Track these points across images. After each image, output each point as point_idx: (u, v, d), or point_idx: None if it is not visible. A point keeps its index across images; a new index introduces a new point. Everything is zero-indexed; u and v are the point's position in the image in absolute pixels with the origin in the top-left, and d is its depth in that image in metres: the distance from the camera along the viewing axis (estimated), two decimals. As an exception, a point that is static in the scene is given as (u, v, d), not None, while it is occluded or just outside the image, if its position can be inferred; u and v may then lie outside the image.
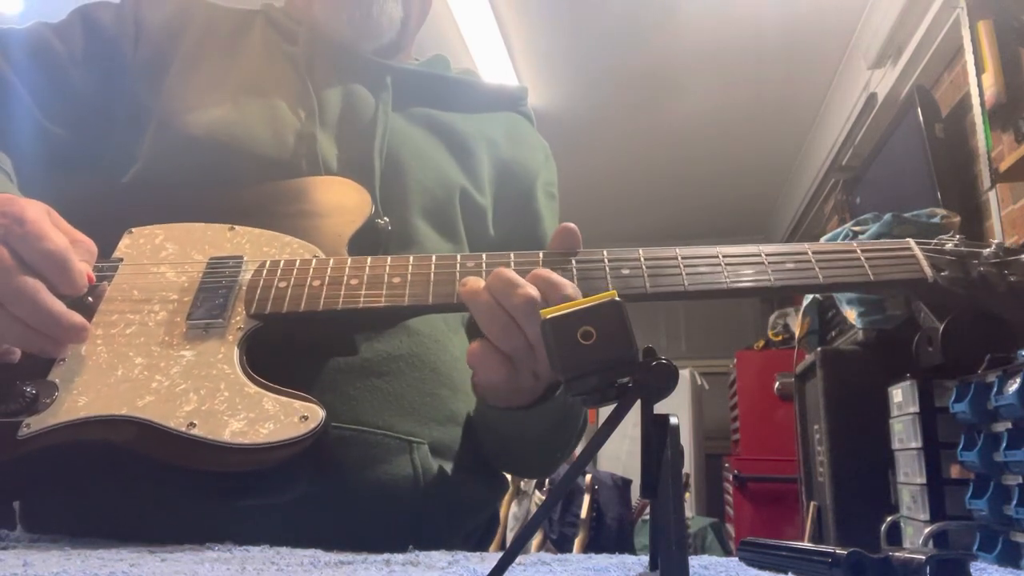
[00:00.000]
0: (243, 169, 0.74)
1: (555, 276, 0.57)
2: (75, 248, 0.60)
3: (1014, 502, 1.40)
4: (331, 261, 0.64)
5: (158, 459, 0.57)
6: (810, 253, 0.62)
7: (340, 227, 0.71)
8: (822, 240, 2.09)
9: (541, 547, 3.14)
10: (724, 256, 0.62)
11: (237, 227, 0.70)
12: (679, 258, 0.61)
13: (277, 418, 0.56)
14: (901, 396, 1.90)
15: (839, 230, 2.07)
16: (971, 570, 0.43)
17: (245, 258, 0.67)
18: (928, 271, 0.61)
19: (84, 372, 0.59)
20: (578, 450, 0.46)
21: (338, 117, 0.80)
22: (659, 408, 0.42)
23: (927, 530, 1.71)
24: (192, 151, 0.75)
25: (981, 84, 2.19)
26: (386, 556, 0.52)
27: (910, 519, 1.86)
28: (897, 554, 0.41)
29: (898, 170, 2.91)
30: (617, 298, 0.43)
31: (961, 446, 1.55)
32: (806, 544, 0.46)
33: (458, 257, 0.63)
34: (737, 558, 0.51)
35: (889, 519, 1.98)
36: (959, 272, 0.61)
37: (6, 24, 0.83)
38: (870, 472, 2.15)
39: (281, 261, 0.65)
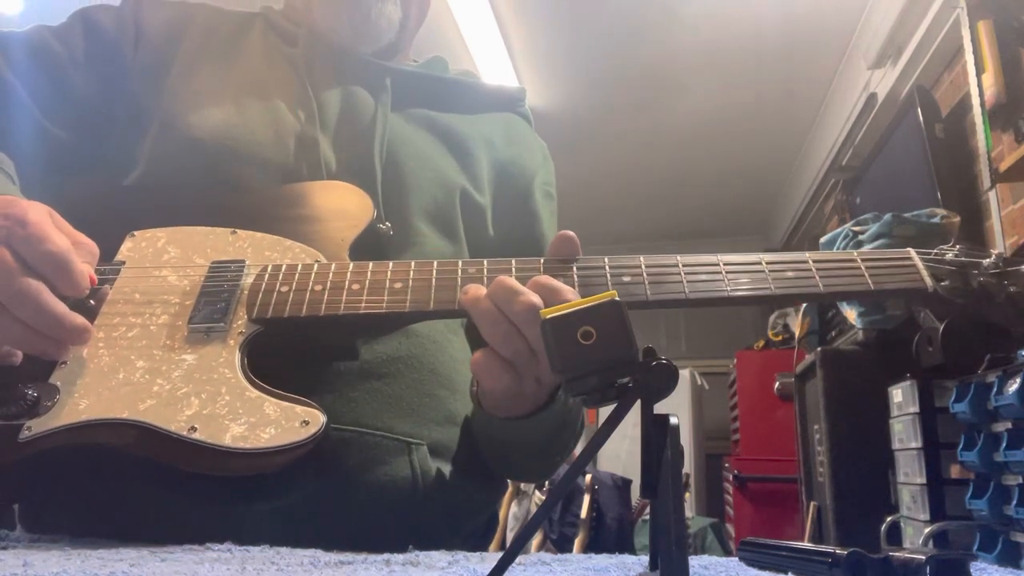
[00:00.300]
0: (244, 172, 0.75)
1: (556, 283, 0.57)
2: (77, 249, 0.60)
3: (1014, 502, 1.40)
4: (333, 266, 0.65)
5: (159, 463, 0.57)
6: (811, 262, 0.62)
7: (342, 232, 0.71)
8: (822, 240, 2.09)
9: (541, 547, 3.14)
10: (725, 264, 0.62)
11: (239, 231, 0.70)
12: (680, 266, 0.62)
13: (278, 423, 0.56)
14: (901, 396, 1.90)
15: (839, 230, 2.06)
16: (971, 570, 0.43)
17: (247, 262, 0.67)
18: (928, 281, 0.61)
19: (85, 375, 0.59)
20: (578, 450, 0.46)
21: (337, 119, 0.81)
22: (659, 408, 0.42)
23: (927, 530, 1.71)
24: (194, 154, 0.75)
25: (981, 84, 2.19)
26: (386, 556, 0.52)
27: (910, 519, 1.86)
28: (897, 554, 0.41)
29: (898, 170, 2.91)
30: (617, 298, 0.43)
31: (961, 446, 1.55)
32: (806, 544, 0.46)
33: (459, 263, 0.63)
34: (737, 558, 0.51)
35: (889, 519, 1.98)
36: (959, 282, 0.61)
37: (6, 24, 0.83)
38: (870, 472, 2.15)
39: (283, 266, 0.65)
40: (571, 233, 0.63)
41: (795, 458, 2.81)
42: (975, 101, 2.24)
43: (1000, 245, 2.32)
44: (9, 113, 0.76)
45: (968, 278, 0.61)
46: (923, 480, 1.77)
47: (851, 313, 2.17)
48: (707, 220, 5.37)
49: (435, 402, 0.72)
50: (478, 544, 0.80)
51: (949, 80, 2.78)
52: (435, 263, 0.64)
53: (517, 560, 0.46)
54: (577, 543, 3.08)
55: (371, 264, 0.64)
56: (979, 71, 2.20)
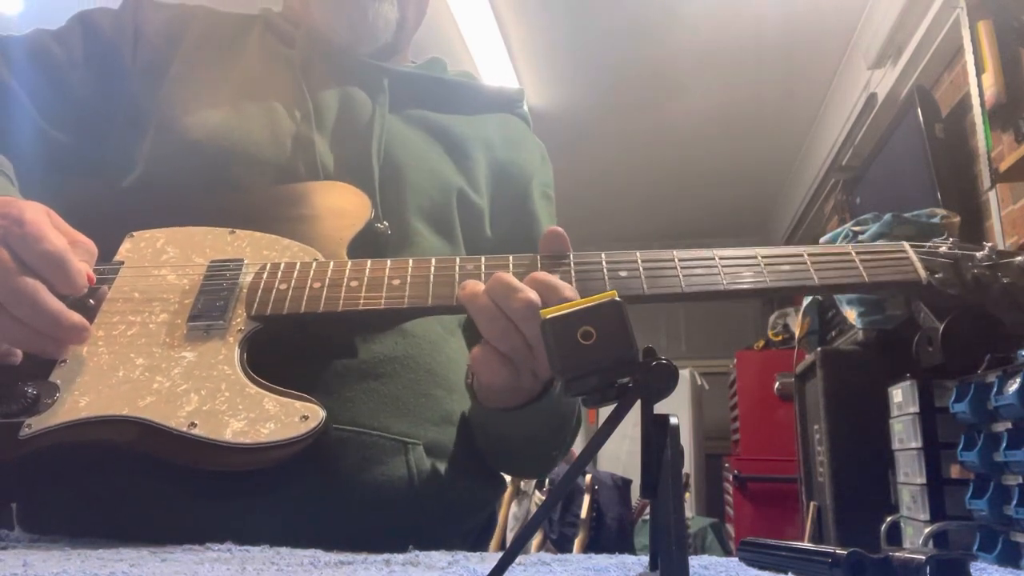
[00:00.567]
0: (242, 173, 0.75)
1: (554, 279, 0.57)
2: (74, 249, 0.60)
3: (1014, 502, 1.40)
4: (331, 264, 0.65)
5: (159, 459, 0.57)
6: (806, 255, 0.63)
7: (340, 231, 0.71)
8: (822, 240, 2.09)
9: (541, 547, 3.14)
10: (720, 258, 0.62)
11: (237, 231, 0.71)
12: (676, 260, 0.62)
13: (278, 418, 0.56)
14: (901, 396, 1.90)
15: (839, 230, 2.06)
16: (971, 570, 0.43)
17: (246, 261, 0.67)
18: (922, 273, 0.62)
19: (85, 373, 0.59)
20: (578, 450, 0.46)
21: (335, 120, 0.81)
22: (659, 408, 0.42)
23: (927, 530, 1.71)
24: (192, 155, 0.75)
25: (981, 84, 2.19)
26: (386, 556, 0.52)
27: (910, 519, 1.86)
28: (897, 554, 0.41)
29: (898, 170, 2.91)
30: (617, 298, 0.43)
31: (961, 446, 1.55)
32: (806, 544, 0.46)
33: (457, 260, 0.63)
34: (737, 558, 0.51)
35: (889, 519, 1.98)
36: (953, 274, 0.62)
37: (5, 23, 0.83)
38: (870, 472, 2.15)
39: (281, 264, 0.66)
40: (560, 229, 0.64)
41: (795, 458, 2.81)
42: (975, 101, 2.24)
43: (1000, 245, 2.31)
44: (9, 115, 0.76)
45: (962, 270, 0.62)
46: (923, 480, 1.77)
47: (851, 313, 2.18)
48: (707, 220, 5.37)
49: (432, 402, 0.72)
50: (477, 544, 0.80)
51: (949, 80, 2.78)
52: (433, 260, 0.64)
53: (517, 560, 0.46)
54: (577, 543, 3.08)
55: (369, 261, 0.64)
56: (979, 71, 2.20)
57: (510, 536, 3.04)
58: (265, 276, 0.65)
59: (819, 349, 2.39)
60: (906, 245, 0.64)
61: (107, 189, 0.78)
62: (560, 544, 3.13)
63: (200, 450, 0.56)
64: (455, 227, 0.82)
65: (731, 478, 3.99)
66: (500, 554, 0.41)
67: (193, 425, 0.56)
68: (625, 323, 0.42)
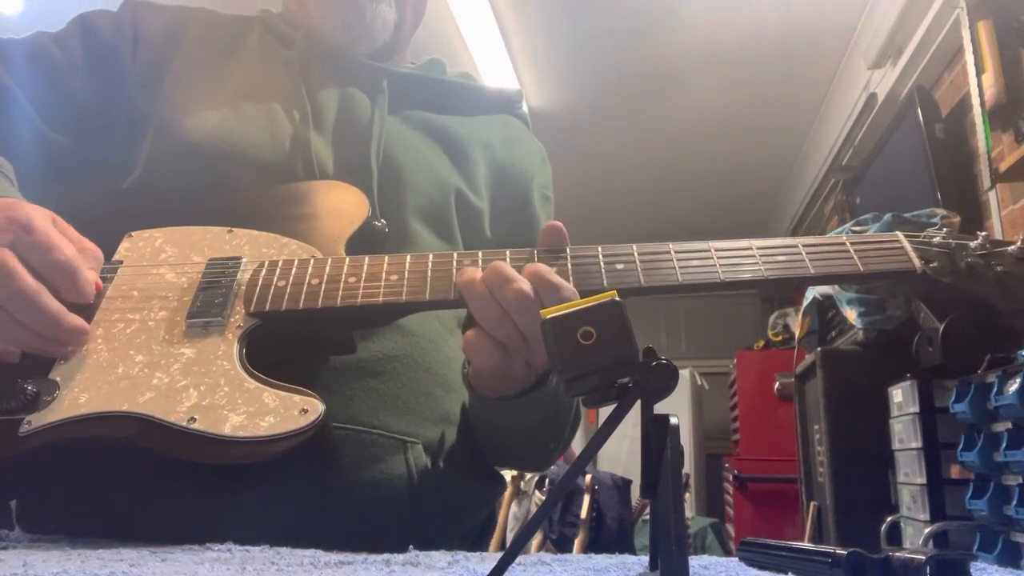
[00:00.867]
0: (241, 174, 0.75)
1: (549, 271, 0.58)
2: (83, 256, 0.61)
3: (1014, 502, 1.40)
4: (329, 260, 0.65)
5: (158, 458, 0.57)
6: (800, 246, 0.63)
7: (338, 229, 0.71)
8: (822, 240, 2.08)
9: (541, 547, 3.14)
10: (716, 250, 0.63)
11: (236, 230, 0.71)
12: (672, 252, 0.63)
13: (277, 411, 0.57)
14: (901, 396, 1.90)
15: (839, 230, 2.06)
16: (971, 570, 0.43)
17: (244, 259, 0.67)
18: (916, 262, 0.62)
19: (85, 370, 0.60)
20: (578, 450, 0.46)
21: (335, 121, 0.81)
22: (659, 408, 0.42)
23: (927, 530, 1.71)
24: (190, 156, 0.75)
25: (981, 84, 2.19)
26: (386, 556, 0.52)
27: (910, 519, 1.86)
28: (897, 554, 0.41)
29: (898, 170, 2.91)
30: (617, 298, 0.43)
31: (961, 446, 1.55)
32: (806, 544, 0.46)
33: (455, 255, 0.64)
34: (737, 558, 0.51)
35: (889, 519, 1.98)
36: (947, 263, 0.62)
37: (5, 24, 0.83)
38: (870, 472, 2.15)
39: (280, 261, 0.66)
40: (559, 224, 0.64)
41: (795, 458, 2.81)
42: (975, 101, 2.24)
43: (1000, 245, 2.31)
44: (8, 117, 0.77)
45: (956, 259, 0.62)
46: (923, 480, 1.77)
47: (851, 313, 2.18)
48: (707, 220, 5.37)
49: (431, 401, 0.72)
50: (476, 543, 0.80)
51: (949, 80, 2.78)
52: (430, 255, 0.64)
53: (517, 560, 0.46)
54: (577, 543, 3.08)
55: (367, 258, 0.65)
56: (979, 71, 2.20)
57: (510, 536, 3.04)
58: (263, 273, 0.65)
59: (819, 349, 2.38)
60: (900, 235, 0.64)
61: (106, 191, 0.78)
62: (560, 544, 3.13)
63: (200, 445, 0.56)
64: (454, 227, 0.82)
65: (731, 478, 3.99)
66: (500, 554, 0.41)
67: (193, 420, 0.56)
68: (625, 323, 0.42)
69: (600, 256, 0.63)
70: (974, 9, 2.24)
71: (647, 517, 2.71)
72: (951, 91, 2.75)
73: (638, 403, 0.42)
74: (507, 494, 3.15)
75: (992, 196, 2.35)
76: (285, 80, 0.83)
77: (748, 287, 0.63)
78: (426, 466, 0.70)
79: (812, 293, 2.67)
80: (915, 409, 1.81)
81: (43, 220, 0.59)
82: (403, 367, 0.71)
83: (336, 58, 0.85)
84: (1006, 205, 2.33)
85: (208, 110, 0.78)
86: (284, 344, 0.65)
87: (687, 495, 4.44)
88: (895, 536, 1.95)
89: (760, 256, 0.62)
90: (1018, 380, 1.36)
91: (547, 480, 3.09)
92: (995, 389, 1.43)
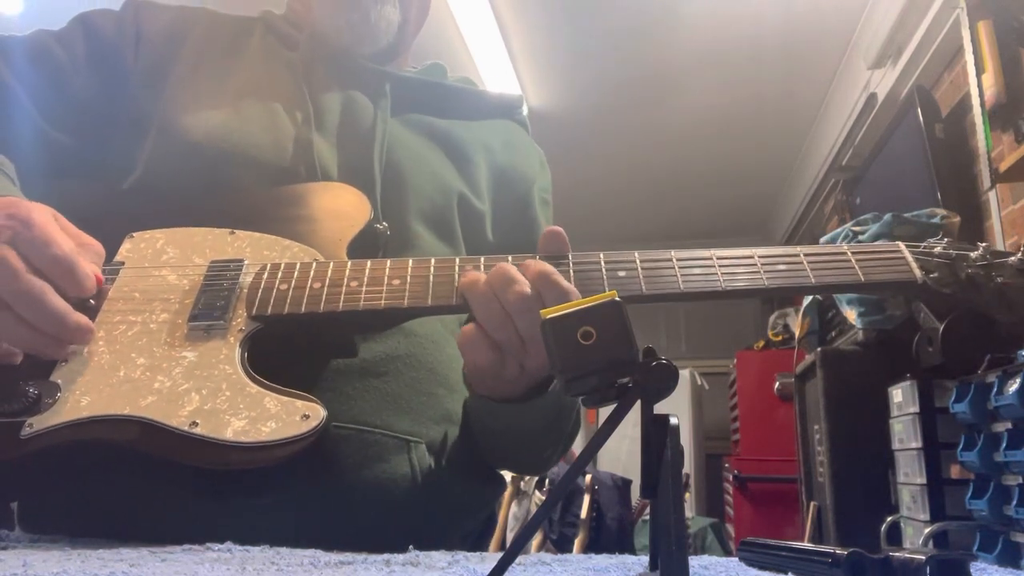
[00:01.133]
0: (242, 174, 0.75)
1: (555, 274, 0.58)
2: (82, 250, 0.61)
3: (1014, 502, 1.40)
4: (331, 264, 0.65)
5: (159, 459, 0.57)
6: (802, 255, 0.63)
7: (339, 231, 0.71)
8: (822, 240, 2.09)
9: (541, 547, 3.14)
10: (718, 258, 0.63)
11: (238, 231, 0.71)
12: (674, 260, 0.63)
13: (279, 417, 0.57)
14: (901, 396, 1.90)
15: (839, 230, 2.06)
16: (971, 570, 0.43)
17: (246, 261, 0.67)
18: (917, 273, 0.62)
19: (86, 373, 0.60)
20: (578, 450, 0.46)
21: (338, 124, 0.81)
22: (659, 408, 0.42)
23: (927, 530, 1.71)
24: (192, 157, 0.75)
25: (981, 84, 2.19)
26: (386, 556, 0.52)
27: (910, 519, 1.86)
28: (897, 554, 0.41)
29: (898, 170, 2.91)
30: (617, 298, 0.43)
31: (961, 446, 1.55)
32: (806, 544, 0.46)
33: (457, 260, 0.64)
34: (737, 558, 0.51)
35: (889, 519, 1.98)
36: (947, 274, 0.62)
37: (6, 24, 0.83)
38: (870, 472, 2.15)
39: (282, 264, 0.66)
40: (559, 228, 0.64)
41: (795, 458, 2.81)
42: (975, 101, 2.24)
43: (1000, 245, 2.32)
44: (10, 117, 0.76)
45: (957, 270, 0.63)
46: (923, 480, 1.77)
47: (851, 313, 2.17)
48: (707, 220, 5.37)
49: (433, 401, 0.72)
50: (477, 544, 0.80)
51: (949, 80, 2.78)
52: (432, 260, 0.64)
53: (517, 560, 0.46)
54: (577, 543, 3.08)
55: (369, 262, 0.65)
56: (979, 71, 2.20)
57: (510, 536, 3.04)
58: (265, 276, 0.65)
59: (819, 349, 2.38)
60: (901, 245, 0.65)
61: (107, 191, 0.78)
62: (560, 544, 3.13)
63: (201, 449, 0.56)
64: (456, 230, 0.82)
65: (731, 478, 3.99)
66: (500, 554, 0.41)
67: (194, 424, 0.56)
68: (625, 323, 0.42)
69: (602, 263, 0.63)
70: (974, 9, 2.24)
71: (647, 517, 2.70)
72: (951, 91, 2.75)
73: (638, 403, 0.42)
74: (507, 494, 3.15)
75: (992, 196, 2.35)
76: (288, 81, 0.83)
77: (749, 296, 0.63)
78: (429, 466, 0.70)
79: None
80: (915, 409, 1.81)
81: (42, 216, 0.59)
82: (406, 367, 0.71)
83: (339, 60, 0.85)
84: (1006, 205, 2.33)
85: (210, 110, 0.78)
86: (286, 347, 0.65)
87: (687, 495, 4.43)
88: (895, 536, 1.95)
89: (761, 265, 0.63)
90: (1018, 380, 1.36)
91: (547, 480, 3.09)
92: (995, 389, 1.43)
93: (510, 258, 0.63)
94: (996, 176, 2.14)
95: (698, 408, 5.05)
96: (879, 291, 0.64)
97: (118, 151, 0.79)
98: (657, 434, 0.42)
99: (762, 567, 0.48)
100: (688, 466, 4.48)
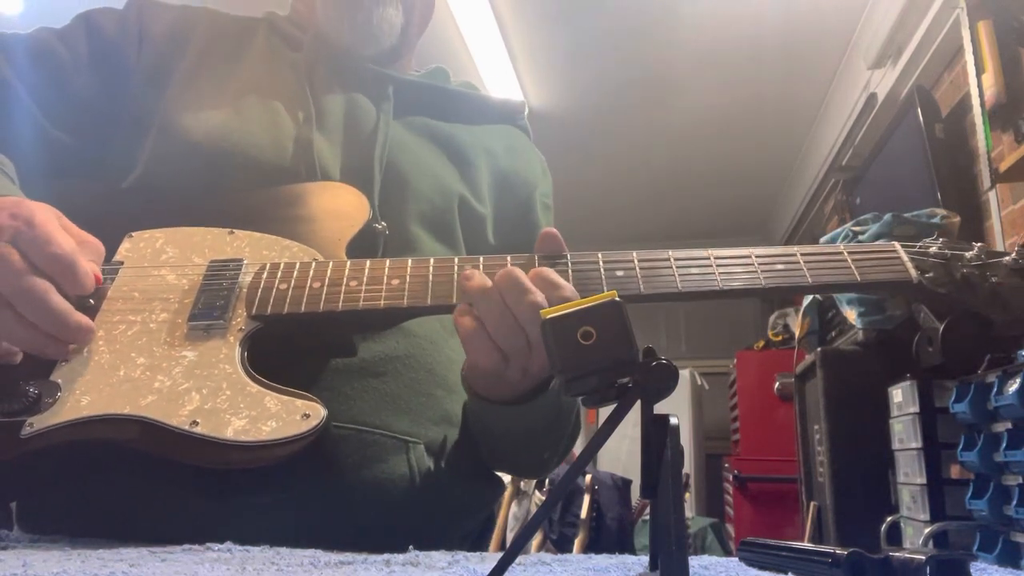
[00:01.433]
0: (243, 174, 0.75)
1: (557, 277, 0.58)
2: (82, 249, 0.61)
3: (1014, 502, 1.40)
4: (331, 264, 0.65)
5: (159, 459, 0.57)
6: (799, 255, 0.63)
7: (338, 231, 0.71)
8: (821, 240, 2.09)
9: (541, 547, 3.14)
10: (716, 258, 0.63)
11: (237, 231, 0.71)
12: (672, 260, 0.63)
13: (279, 416, 0.57)
14: (901, 396, 1.90)
15: (839, 230, 2.06)
16: (971, 570, 0.43)
17: (245, 261, 0.67)
18: (912, 272, 0.62)
19: (86, 372, 0.60)
20: (578, 450, 0.46)
21: (341, 125, 0.81)
22: (659, 408, 0.42)
23: (927, 530, 1.71)
24: (192, 156, 0.75)
25: (981, 84, 2.18)
26: (386, 556, 0.52)
27: (910, 519, 1.86)
28: (897, 554, 0.41)
29: (898, 170, 2.91)
30: (617, 298, 0.43)
31: (961, 446, 1.55)
32: (806, 544, 0.46)
33: (456, 260, 0.64)
34: (737, 558, 0.51)
35: (889, 519, 1.98)
36: (943, 274, 0.63)
37: (5, 24, 0.83)
38: (870, 472, 2.15)
39: (281, 264, 0.66)
40: (555, 231, 0.64)
41: (795, 458, 2.81)
42: (975, 101, 2.24)
43: (1000, 245, 2.32)
44: (11, 115, 0.76)
45: (952, 270, 0.63)
46: (923, 480, 1.77)
47: (851, 313, 2.17)
48: (707, 220, 5.37)
49: (432, 401, 0.72)
50: (476, 543, 0.80)
51: (949, 80, 2.78)
52: (432, 260, 0.64)
53: (517, 560, 0.46)
54: (577, 543, 3.08)
55: (368, 261, 0.65)
56: (979, 71, 2.20)
57: (510, 536, 3.04)
58: (265, 276, 0.65)
59: (819, 349, 2.38)
60: (897, 245, 0.65)
61: (107, 190, 0.78)
62: (560, 544, 3.13)
63: (202, 448, 0.56)
64: (456, 233, 0.82)
65: (731, 478, 3.99)
66: (500, 554, 0.41)
67: (195, 423, 0.56)
68: (625, 323, 0.42)
69: (600, 262, 0.63)
70: (974, 9, 2.24)
71: (647, 517, 2.70)
72: (951, 91, 2.75)
73: (638, 403, 0.42)
74: (507, 494, 3.15)
75: (992, 196, 2.35)
76: (290, 82, 0.83)
77: (746, 296, 0.64)
78: (428, 467, 0.70)
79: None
80: (915, 409, 1.81)
81: (45, 215, 0.59)
82: (405, 368, 0.71)
83: (342, 62, 0.85)
84: (1006, 205, 2.33)
85: (211, 110, 0.78)
86: (285, 346, 0.65)
87: (687, 495, 4.43)
88: (895, 536, 1.95)
89: (759, 265, 0.63)
90: (1018, 380, 1.36)
91: (547, 480, 3.09)
92: (995, 389, 1.43)
93: (508, 259, 0.63)
94: (996, 176, 2.14)
95: (698, 408, 5.05)
96: (875, 291, 0.64)
97: (119, 150, 0.79)
98: (657, 434, 0.42)
99: (762, 567, 0.48)
100: (688, 466, 4.48)
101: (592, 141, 4.23)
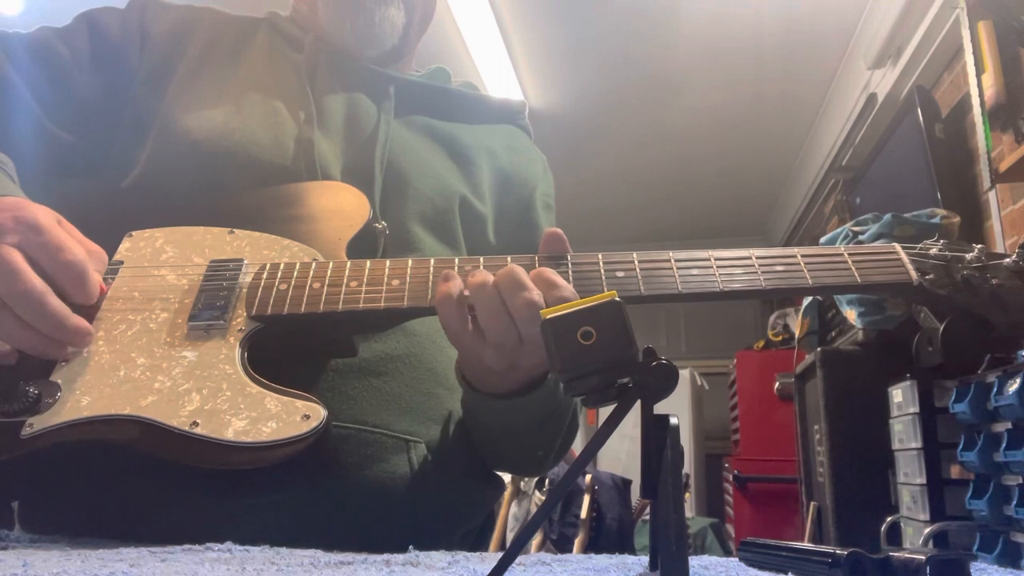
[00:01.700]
0: (243, 174, 0.75)
1: (558, 278, 0.58)
2: (90, 258, 0.61)
3: (1014, 502, 1.40)
4: (331, 264, 0.65)
5: (160, 458, 0.57)
6: (799, 256, 0.63)
7: (339, 231, 0.71)
8: (821, 240, 2.09)
9: (541, 547, 3.14)
10: (716, 259, 0.63)
11: (237, 231, 0.71)
12: (672, 261, 0.63)
13: (279, 417, 0.57)
14: (901, 396, 1.90)
15: (839, 230, 2.06)
16: (971, 570, 0.43)
17: (245, 261, 0.67)
18: (913, 274, 0.62)
19: (87, 373, 0.59)
20: (578, 450, 0.46)
21: (342, 125, 0.81)
22: (659, 408, 0.43)
23: (927, 530, 1.71)
24: (192, 155, 0.75)
25: (981, 84, 2.18)
26: (386, 556, 0.52)
27: (910, 519, 1.86)
28: (897, 554, 0.41)
29: (898, 170, 2.91)
30: (617, 298, 0.43)
31: (961, 446, 1.55)
32: (806, 544, 0.46)
33: (456, 260, 0.64)
34: (737, 558, 0.51)
35: (889, 519, 1.98)
36: (943, 275, 0.63)
37: (5, 24, 0.83)
38: (870, 472, 2.15)
39: (281, 264, 0.66)
40: (559, 231, 0.64)
41: (795, 458, 2.81)
42: (975, 101, 2.24)
43: (1000, 245, 2.32)
44: (12, 114, 0.76)
45: (952, 271, 0.63)
46: (923, 480, 1.77)
47: (851, 313, 2.17)
48: (707, 220, 5.37)
49: (433, 401, 0.72)
50: (476, 543, 0.80)
51: (949, 80, 2.78)
52: (432, 260, 0.64)
53: (517, 560, 0.46)
54: (577, 543, 3.08)
55: (369, 262, 0.65)
56: (979, 71, 2.19)
57: (510, 536, 3.04)
58: (265, 276, 0.65)
59: (819, 349, 2.38)
60: (898, 247, 0.65)
61: (107, 189, 0.78)
62: (560, 544, 3.13)
63: (202, 449, 0.56)
64: (457, 233, 0.82)
65: (731, 478, 3.99)
66: (500, 554, 0.41)
67: (195, 424, 0.56)
68: (625, 323, 0.42)
69: (601, 263, 0.63)
70: (974, 9, 2.24)
71: (647, 517, 2.70)
72: (951, 91, 2.75)
73: (638, 403, 0.42)
74: (507, 494, 3.15)
75: (992, 196, 2.35)
76: (292, 82, 0.83)
77: (747, 297, 0.64)
78: (429, 466, 0.70)
79: (812, 293, 2.67)
80: (915, 409, 1.81)
81: (49, 220, 0.59)
82: (406, 367, 0.71)
83: (344, 62, 0.86)
84: (1006, 205, 2.33)
85: (211, 109, 0.78)
86: (286, 346, 0.65)
87: (687, 495, 4.43)
88: (895, 536, 1.95)
89: (759, 266, 0.63)
90: (1018, 380, 1.36)
91: (547, 480, 3.09)
92: (995, 389, 1.43)
93: (509, 259, 0.63)
94: (996, 176, 2.14)
95: (698, 408, 5.05)
96: (875, 292, 0.64)
97: (119, 149, 0.79)
98: (657, 434, 0.42)
99: (762, 567, 0.48)
100: (688, 466, 4.47)
101: (592, 141, 4.23)
